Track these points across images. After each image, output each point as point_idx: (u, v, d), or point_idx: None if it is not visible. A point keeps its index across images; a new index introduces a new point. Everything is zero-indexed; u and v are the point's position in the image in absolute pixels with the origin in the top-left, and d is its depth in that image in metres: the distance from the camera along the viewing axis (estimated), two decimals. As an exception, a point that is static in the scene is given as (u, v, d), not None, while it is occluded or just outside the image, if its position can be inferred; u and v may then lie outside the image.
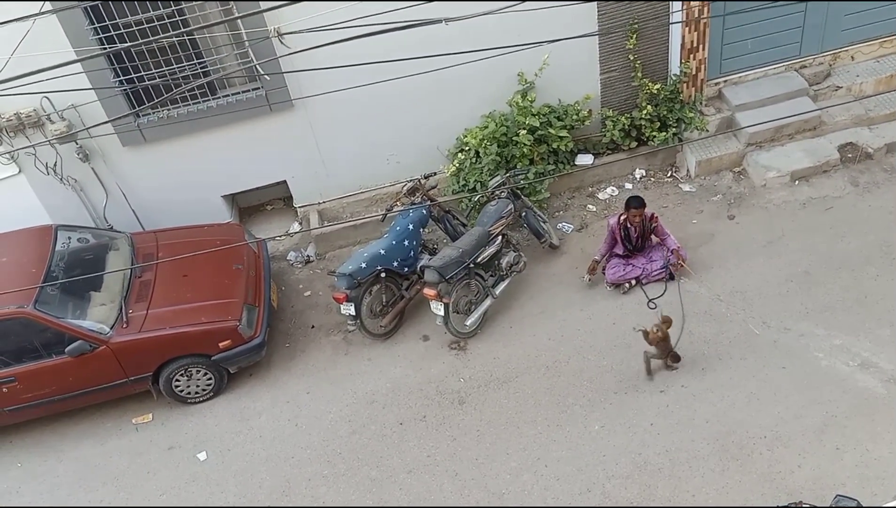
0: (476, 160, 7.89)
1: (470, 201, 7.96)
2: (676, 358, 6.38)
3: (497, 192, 7.46)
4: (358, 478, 6.21)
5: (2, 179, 7.60)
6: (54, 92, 6.51)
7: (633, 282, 7.23)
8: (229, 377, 7.08)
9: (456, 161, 7.99)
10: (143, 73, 7.18)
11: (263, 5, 6.59)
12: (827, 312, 6.69)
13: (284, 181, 8.39)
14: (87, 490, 6.54)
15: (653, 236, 7.18)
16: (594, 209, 8.28)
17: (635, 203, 6.87)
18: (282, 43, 6.22)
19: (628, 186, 8.45)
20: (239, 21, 6.76)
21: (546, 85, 7.86)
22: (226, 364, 6.87)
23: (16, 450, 6.99)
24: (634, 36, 7.74)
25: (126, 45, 6.63)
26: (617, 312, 7.09)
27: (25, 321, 6.29)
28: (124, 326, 6.59)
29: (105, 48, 6.78)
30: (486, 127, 7.80)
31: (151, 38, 6.63)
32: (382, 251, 7.06)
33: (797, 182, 8.04)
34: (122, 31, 6.86)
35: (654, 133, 8.12)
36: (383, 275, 7.06)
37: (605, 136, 8.28)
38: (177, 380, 6.84)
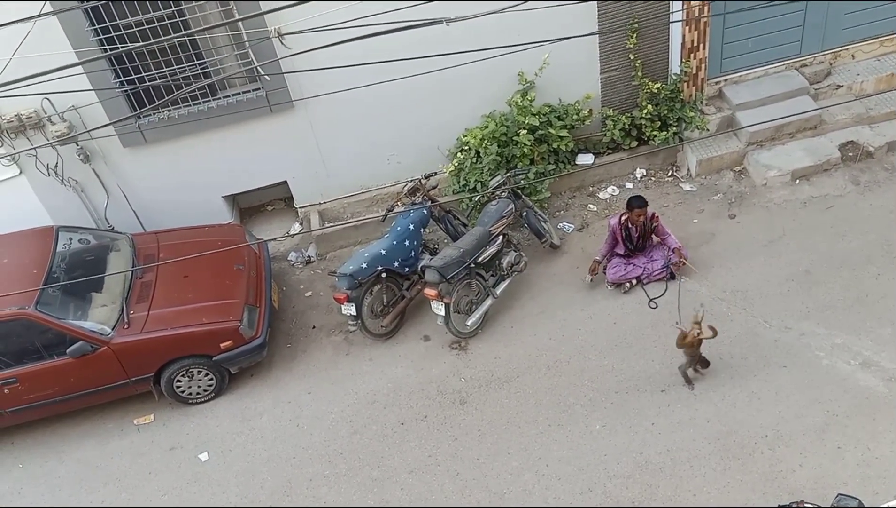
0: (476, 160, 7.89)
1: (470, 200, 7.96)
2: (706, 363, 6.25)
3: (497, 192, 7.46)
4: (359, 478, 6.22)
5: (3, 180, 7.61)
6: (55, 93, 6.52)
7: (634, 282, 7.23)
8: (230, 377, 7.08)
9: (456, 161, 8.00)
10: (143, 74, 7.19)
11: (264, 6, 6.61)
12: (828, 311, 6.69)
13: (285, 182, 8.39)
14: (88, 490, 6.55)
15: (653, 236, 7.18)
16: (595, 209, 8.28)
17: (638, 202, 6.86)
18: (282, 43, 6.23)
19: (629, 185, 8.45)
20: (239, 22, 6.76)
21: (546, 84, 7.86)
22: (227, 365, 6.88)
23: (17, 451, 6.99)
24: (635, 35, 7.74)
25: (127, 46, 6.65)
26: (618, 311, 7.09)
27: (27, 322, 6.30)
28: (125, 327, 6.59)
29: (106, 49, 6.79)
30: (487, 127, 7.80)
31: (152, 40, 6.63)
32: (383, 251, 7.06)
33: (798, 181, 8.04)
34: (123, 32, 6.87)
35: (654, 132, 8.12)
36: (384, 275, 7.06)
37: (605, 135, 8.28)
38: (178, 381, 6.84)
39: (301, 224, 8.65)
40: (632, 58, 7.91)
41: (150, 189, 8.00)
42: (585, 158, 8.35)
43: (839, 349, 6.37)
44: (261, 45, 6.83)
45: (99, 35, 6.86)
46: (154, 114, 7.48)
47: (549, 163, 8.09)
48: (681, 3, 7.60)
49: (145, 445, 6.82)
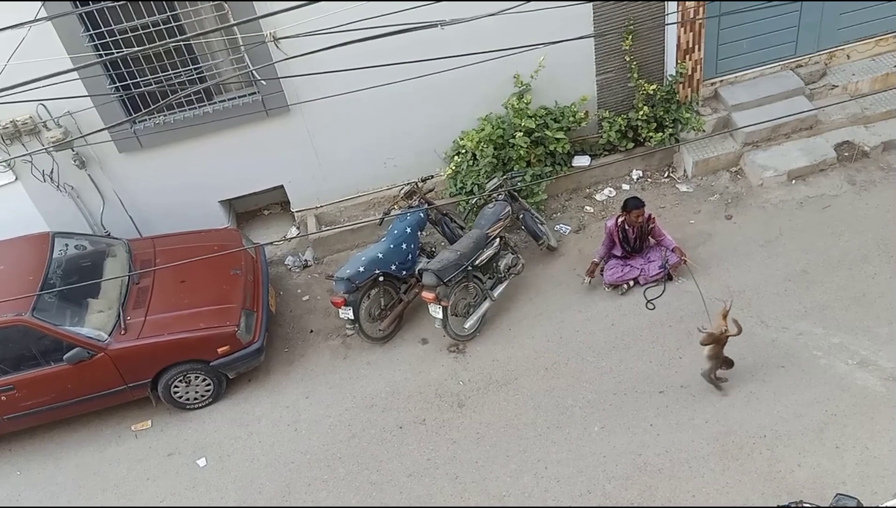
0: (473, 163, 7.89)
1: (467, 203, 7.96)
2: (730, 363, 6.15)
3: (494, 194, 7.46)
4: (358, 482, 6.20)
5: (-1, 186, 7.61)
6: (51, 99, 6.50)
7: (632, 283, 7.24)
8: (228, 382, 7.07)
9: (453, 164, 8.00)
10: (138, 79, 7.18)
11: (259, 10, 6.61)
12: (825, 310, 6.70)
13: (282, 186, 8.38)
14: (86, 497, 6.53)
15: (650, 238, 7.19)
16: (592, 210, 8.29)
17: (635, 203, 6.87)
18: (277, 48, 6.21)
19: (625, 186, 8.45)
20: (235, 26, 6.75)
21: (542, 87, 7.87)
22: (224, 370, 6.86)
23: (15, 458, 6.97)
24: (630, 37, 7.75)
25: (122, 51, 6.63)
26: (615, 313, 7.09)
27: (23, 328, 6.28)
28: (122, 332, 6.58)
29: (101, 55, 6.77)
30: (483, 129, 7.80)
31: (148, 45, 6.62)
32: (380, 255, 7.05)
33: (794, 181, 8.05)
34: (118, 37, 6.85)
35: (650, 134, 8.13)
36: (381, 279, 7.06)
37: (601, 137, 8.28)
38: (175, 386, 6.82)
39: (298, 228, 8.64)
40: (627, 59, 7.92)
41: (146, 194, 7.99)
42: (582, 160, 8.36)
43: (837, 348, 6.38)
44: (256, 50, 6.82)
45: (94, 40, 6.84)
46: (150, 119, 7.48)
47: (546, 165, 8.09)
48: (676, 4, 7.61)
49: (143, 451, 6.80)
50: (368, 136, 7.99)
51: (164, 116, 7.51)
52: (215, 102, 7.60)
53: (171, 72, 7.18)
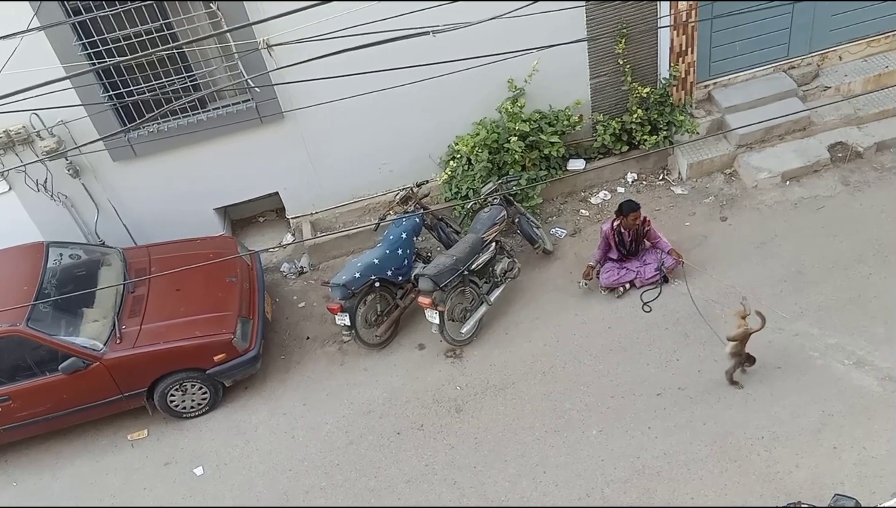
0: (468, 167, 7.89)
1: (463, 208, 7.96)
2: (752, 360, 6.12)
3: (490, 198, 7.46)
4: (356, 489, 6.19)
5: (-8, 196, 7.58)
6: (44, 109, 6.48)
7: (628, 286, 7.24)
8: (224, 390, 7.05)
9: (448, 169, 7.99)
10: (132, 87, 7.17)
11: (251, 11, 6.61)
12: (821, 311, 6.71)
13: (276, 193, 8.37)
14: (83, 507, 6.51)
15: (646, 240, 7.19)
16: (587, 214, 8.30)
17: (630, 206, 6.88)
18: (271, 55, 6.21)
19: (620, 190, 8.46)
20: (228, 34, 6.75)
21: (536, 91, 7.87)
22: (221, 378, 6.84)
23: (10, 469, 6.94)
24: (623, 40, 7.77)
25: (115, 60, 6.62)
26: (612, 316, 7.09)
27: (18, 339, 6.26)
28: (118, 342, 6.56)
29: (94, 63, 6.76)
30: (478, 134, 7.80)
31: (140, 53, 6.61)
32: (376, 261, 7.04)
33: (788, 183, 8.07)
34: (111, 45, 6.85)
35: (645, 137, 8.14)
36: (377, 284, 7.05)
37: (596, 140, 8.29)
38: (172, 395, 6.80)
39: (293, 235, 8.63)
40: (621, 63, 7.94)
41: (141, 203, 7.97)
42: (577, 164, 8.37)
43: (833, 349, 6.39)
44: (250, 57, 6.82)
45: (87, 49, 6.84)
46: (143, 127, 7.46)
47: (541, 169, 8.09)
48: (668, 6, 7.62)
49: (139, 460, 6.77)
50: (363, 141, 7.99)
51: (158, 124, 7.49)
52: (209, 110, 7.59)
53: (164, 80, 7.17)
